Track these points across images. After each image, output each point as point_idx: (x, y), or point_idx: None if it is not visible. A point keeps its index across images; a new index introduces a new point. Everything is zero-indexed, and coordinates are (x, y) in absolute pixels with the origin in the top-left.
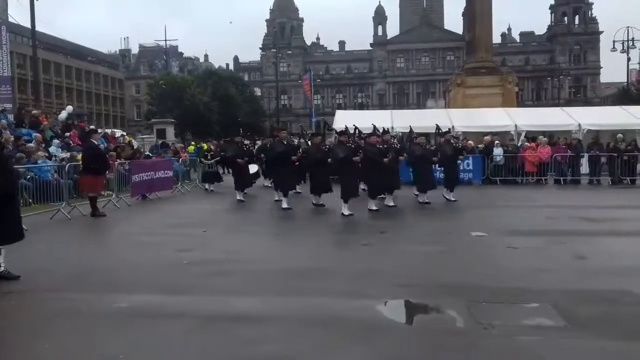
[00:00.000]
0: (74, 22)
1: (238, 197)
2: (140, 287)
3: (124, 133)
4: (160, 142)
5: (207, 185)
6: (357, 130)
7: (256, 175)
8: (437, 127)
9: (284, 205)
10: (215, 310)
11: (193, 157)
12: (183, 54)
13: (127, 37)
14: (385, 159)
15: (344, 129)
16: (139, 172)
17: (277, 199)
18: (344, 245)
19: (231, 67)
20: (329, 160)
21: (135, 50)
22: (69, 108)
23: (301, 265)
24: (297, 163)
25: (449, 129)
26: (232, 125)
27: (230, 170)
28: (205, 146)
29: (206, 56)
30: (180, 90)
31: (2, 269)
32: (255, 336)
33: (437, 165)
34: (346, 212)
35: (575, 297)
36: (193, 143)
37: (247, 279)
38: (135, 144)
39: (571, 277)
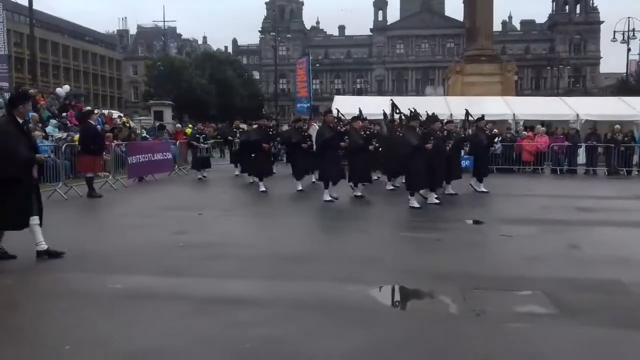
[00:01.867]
0: (72, 1)
1: (261, 189)
2: (136, 269)
3: (121, 114)
4: (157, 124)
5: (199, 174)
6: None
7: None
8: (467, 113)
9: (358, 193)
10: (209, 293)
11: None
12: (181, 35)
13: (125, 18)
14: (371, 146)
15: (329, 110)
16: (136, 153)
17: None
18: (340, 231)
19: (230, 50)
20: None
21: (133, 30)
22: (66, 87)
23: (296, 250)
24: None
25: (479, 116)
26: (230, 109)
27: (253, 156)
28: (188, 130)
29: (205, 38)
30: (178, 72)
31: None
32: (249, 319)
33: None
34: (327, 198)
35: (567, 285)
36: (190, 125)
37: (241, 262)
38: (131, 124)
39: (564, 265)
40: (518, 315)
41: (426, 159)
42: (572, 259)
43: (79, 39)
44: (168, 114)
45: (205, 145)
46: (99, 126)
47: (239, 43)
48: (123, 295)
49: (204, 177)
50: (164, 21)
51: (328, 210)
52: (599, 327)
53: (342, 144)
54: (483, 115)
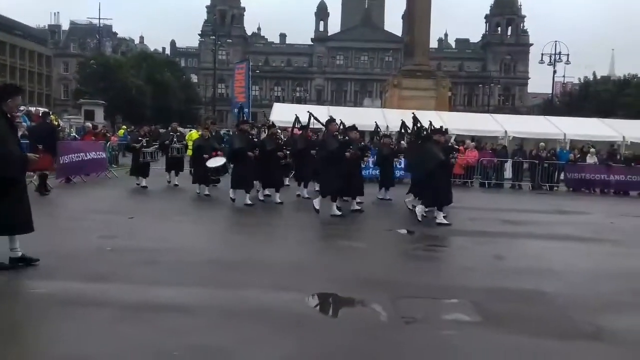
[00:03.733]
0: None
1: (233, 194)
2: (60, 274)
3: (48, 111)
4: (86, 123)
5: (140, 181)
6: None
7: (222, 170)
8: (403, 125)
9: (354, 207)
10: (139, 300)
11: (123, 141)
12: (117, 34)
13: (58, 13)
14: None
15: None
16: (67, 153)
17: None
18: (275, 239)
19: (168, 51)
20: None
21: (65, 26)
22: None
23: (230, 257)
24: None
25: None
26: (165, 111)
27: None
28: (121, 131)
29: (141, 38)
30: (112, 71)
31: None
32: (181, 327)
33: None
34: (337, 213)
35: (492, 294)
36: (124, 127)
37: (173, 268)
38: (60, 123)
39: (490, 276)
40: (445, 323)
41: (344, 167)
42: (498, 269)
43: (6, 32)
44: (100, 114)
45: (150, 150)
46: (24, 124)
47: (178, 45)
48: (47, 300)
49: (145, 186)
50: (99, 18)
51: (261, 218)
52: (521, 335)
53: (347, 154)
54: (441, 127)
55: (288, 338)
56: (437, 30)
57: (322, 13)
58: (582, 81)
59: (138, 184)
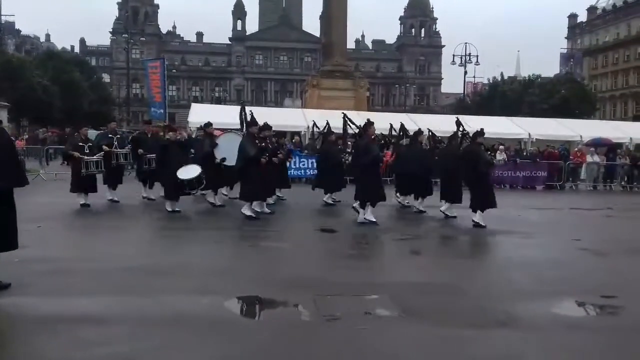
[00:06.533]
0: None
1: (255, 209)
2: None
3: None
4: None
5: (84, 198)
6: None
7: (197, 182)
8: (344, 122)
9: (371, 218)
10: (51, 311)
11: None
12: (21, 31)
13: None
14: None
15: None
16: None
17: (367, 217)
18: (196, 243)
19: (77, 49)
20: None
21: None
22: None
23: (148, 263)
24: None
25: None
26: (76, 113)
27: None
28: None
29: (48, 36)
30: (16, 71)
31: None
32: (96, 337)
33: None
34: (372, 219)
35: (411, 289)
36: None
37: (87, 278)
38: None
39: (408, 271)
40: (366, 318)
41: (260, 170)
42: (415, 264)
43: None
44: (4, 116)
45: (95, 159)
46: None
47: (88, 43)
48: None
49: (117, 200)
50: (1, 15)
51: (181, 223)
52: (438, 326)
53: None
54: (482, 129)
55: (207, 343)
56: (353, 31)
57: (239, 12)
58: (491, 81)
59: (83, 203)
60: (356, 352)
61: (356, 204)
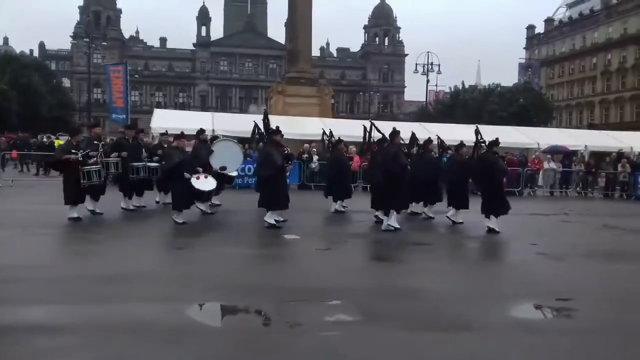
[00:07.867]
0: None
1: (272, 219)
2: None
3: None
4: None
5: (73, 212)
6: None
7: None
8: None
9: (395, 225)
10: (4, 321)
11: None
12: None
13: None
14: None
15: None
16: None
17: (390, 224)
18: (157, 249)
19: (36, 53)
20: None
21: None
22: None
23: (107, 271)
24: None
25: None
26: (34, 118)
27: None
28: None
29: (6, 39)
30: None
31: None
32: (52, 347)
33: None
34: (396, 225)
35: (372, 294)
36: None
37: (42, 286)
38: None
39: (369, 276)
40: (329, 324)
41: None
42: (376, 270)
43: None
44: None
45: (96, 168)
46: None
47: (47, 47)
48: None
49: (79, 218)
50: None
51: (146, 230)
52: (400, 330)
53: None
54: (497, 139)
55: (169, 351)
56: (318, 39)
57: (204, 18)
58: (452, 90)
59: (75, 217)
60: (317, 357)
61: (379, 213)
